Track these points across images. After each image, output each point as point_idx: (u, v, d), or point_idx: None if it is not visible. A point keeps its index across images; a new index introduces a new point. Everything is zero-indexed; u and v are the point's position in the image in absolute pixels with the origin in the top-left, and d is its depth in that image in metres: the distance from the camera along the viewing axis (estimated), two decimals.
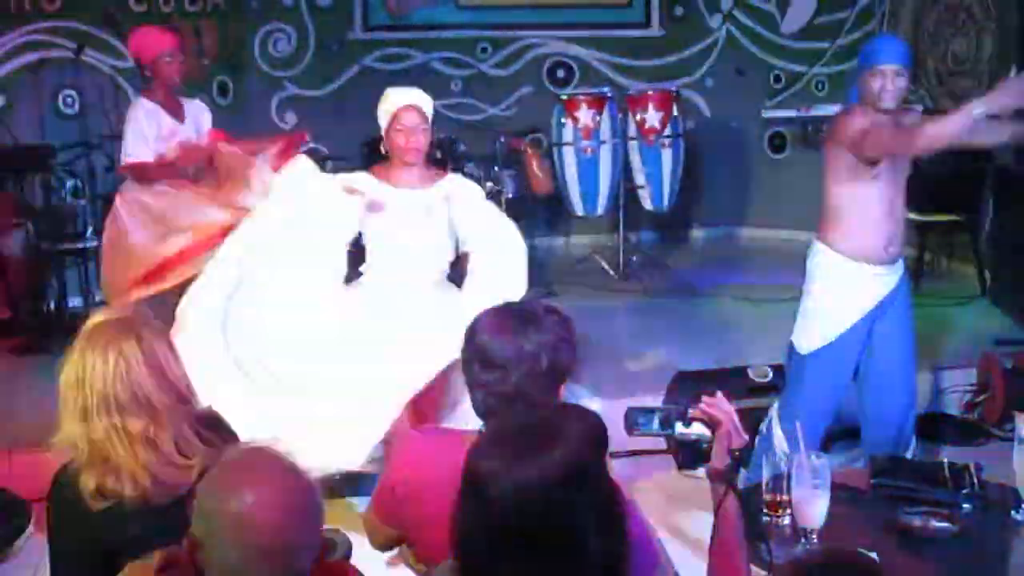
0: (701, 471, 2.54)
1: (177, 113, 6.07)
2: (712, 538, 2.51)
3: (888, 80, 4.47)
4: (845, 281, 4.67)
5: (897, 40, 4.80)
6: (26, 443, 5.44)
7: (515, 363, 2.68)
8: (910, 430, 4.89)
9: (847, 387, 4.85)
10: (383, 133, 5.04)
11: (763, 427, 4.86)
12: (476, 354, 2.74)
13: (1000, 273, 7.75)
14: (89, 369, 2.74)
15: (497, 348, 2.69)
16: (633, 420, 2.57)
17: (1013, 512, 3.27)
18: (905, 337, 4.83)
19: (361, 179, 5.06)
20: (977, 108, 4.14)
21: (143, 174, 5.93)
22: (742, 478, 2.66)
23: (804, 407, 4.67)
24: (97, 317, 2.87)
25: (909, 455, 4.79)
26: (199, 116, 6.24)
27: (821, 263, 4.72)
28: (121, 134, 6.06)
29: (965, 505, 3.35)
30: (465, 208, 5.06)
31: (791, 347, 4.85)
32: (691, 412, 2.51)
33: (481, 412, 2.76)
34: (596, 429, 2.01)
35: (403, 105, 4.94)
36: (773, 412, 4.87)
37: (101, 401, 2.73)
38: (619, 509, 2.02)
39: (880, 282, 4.68)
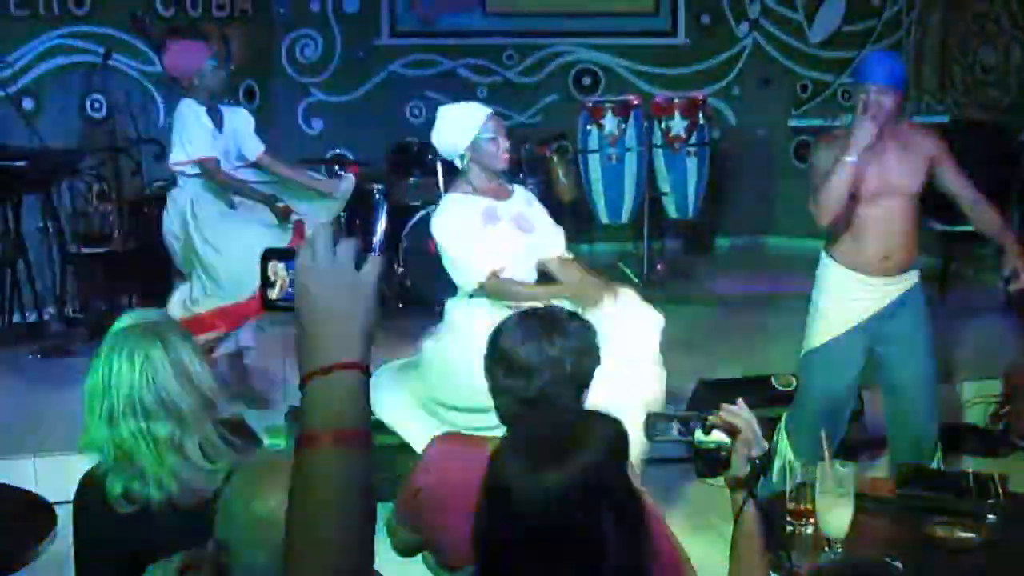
0: (721, 480, 2.53)
1: (218, 123, 6.04)
2: (732, 547, 2.50)
3: (870, 98, 4.47)
4: (842, 288, 4.80)
5: (887, 58, 4.76)
6: (51, 446, 5.49)
7: (539, 368, 2.69)
8: (933, 440, 4.89)
9: (849, 393, 4.92)
10: (465, 149, 4.81)
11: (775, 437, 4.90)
12: (500, 359, 2.74)
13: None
14: (115, 374, 2.76)
15: (522, 353, 2.70)
16: (653, 427, 2.56)
17: None
18: (922, 348, 4.87)
19: (467, 201, 4.83)
20: (848, 158, 4.41)
21: (216, 172, 5.91)
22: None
23: (806, 408, 4.88)
24: (122, 321, 2.88)
25: (934, 465, 4.79)
26: (240, 127, 6.18)
27: (823, 272, 4.89)
28: (168, 134, 6.04)
29: (990, 515, 3.33)
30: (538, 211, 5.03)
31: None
32: (711, 419, 2.50)
33: (504, 417, 2.76)
34: (619, 436, 2.01)
35: (489, 114, 4.86)
36: (781, 422, 4.95)
37: (128, 406, 2.74)
38: (641, 516, 2.01)
39: (879, 292, 4.76)
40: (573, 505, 1.90)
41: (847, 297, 4.79)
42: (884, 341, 4.84)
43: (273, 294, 1.57)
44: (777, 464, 4.64)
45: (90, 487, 2.81)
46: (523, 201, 4.94)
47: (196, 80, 5.95)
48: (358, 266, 1.51)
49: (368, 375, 1.49)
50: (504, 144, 4.82)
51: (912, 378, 4.85)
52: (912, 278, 4.83)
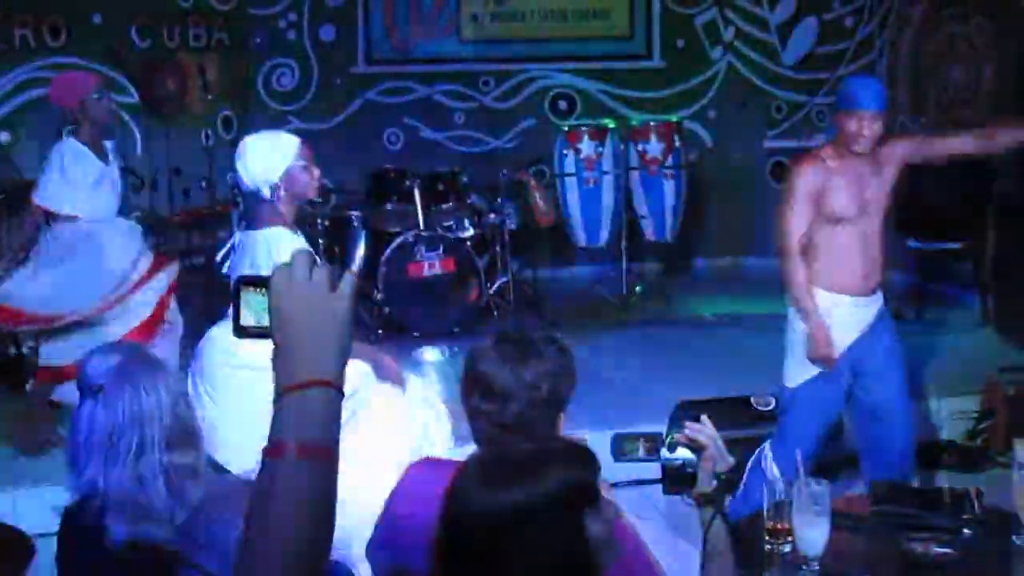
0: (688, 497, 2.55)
1: (103, 155, 6.01)
2: (702, 562, 2.51)
3: (865, 125, 4.53)
4: (825, 311, 4.75)
5: (875, 83, 4.86)
6: (31, 479, 5.47)
7: (515, 393, 2.68)
8: (910, 458, 4.91)
9: (836, 417, 4.93)
10: (278, 178, 4.60)
11: (752, 461, 4.85)
12: (476, 384, 2.74)
13: (1003, 300, 7.76)
14: (129, 410, 2.75)
15: (498, 378, 2.69)
16: (619, 447, 2.58)
17: (1014, 537, 3.26)
18: (895, 366, 4.90)
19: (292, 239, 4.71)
20: (804, 323, 4.72)
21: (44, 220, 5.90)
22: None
23: (794, 438, 4.69)
24: (102, 361, 2.85)
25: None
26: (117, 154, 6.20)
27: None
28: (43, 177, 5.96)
29: (966, 531, 3.34)
30: None
31: (783, 382, 4.94)
32: (676, 437, 2.51)
33: (480, 442, 2.76)
34: (582, 458, 1.99)
35: (300, 142, 4.73)
36: (766, 446, 4.90)
37: (151, 439, 2.75)
38: (609, 536, 2.01)
39: (861, 314, 4.78)
40: (532, 525, 1.88)
41: (833, 321, 4.75)
42: (862, 363, 4.85)
43: (246, 321, 1.58)
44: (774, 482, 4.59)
45: (81, 522, 2.79)
46: None
47: (81, 112, 5.94)
48: (334, 288, 1.54)
49: (341, 393, 1.53)
50: (316, 172, 4.71)
51: (894, 394, 4.87)
52: (880, 299, 4.87)
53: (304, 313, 1.52)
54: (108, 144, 6.11)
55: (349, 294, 1.55)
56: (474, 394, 2.74)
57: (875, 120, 4.54)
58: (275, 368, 1.53)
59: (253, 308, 1.58)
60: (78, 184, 5.85)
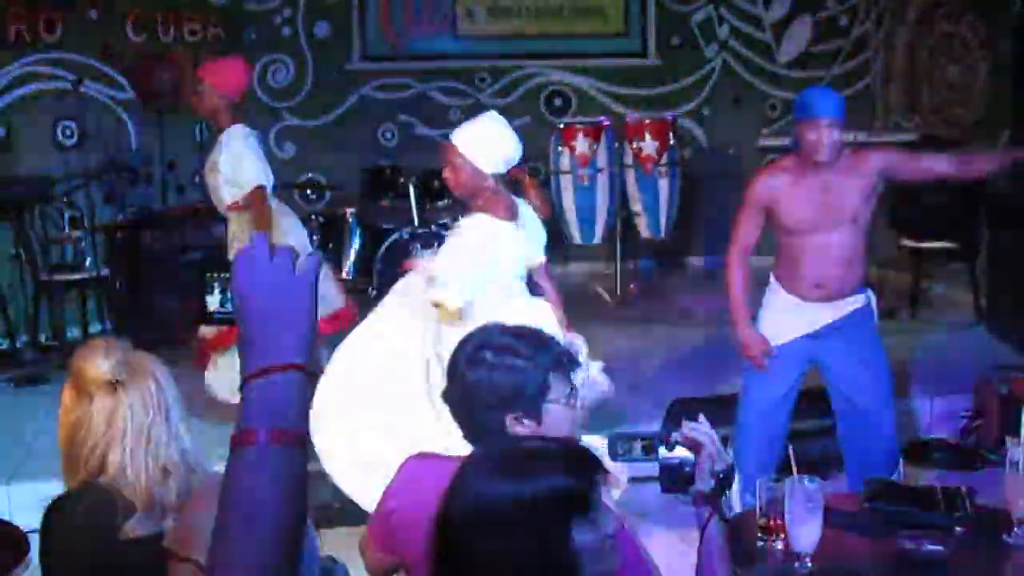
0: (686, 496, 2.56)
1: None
2: (698, 560, 2.52)
3: (823, 133, 4.58)
4: (778, 308, 4.96)
5: (831, 92, 4.94)
6: (24, 474, 5.47)
7: (457, 373, 2.73)
8: (894, 458, 4.94)
9: (781, 408, 5.00)
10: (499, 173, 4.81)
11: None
12: (449, 376, 2.79)
13: (996, 300, 7.77)
14: (165, 396, 2.76)
15: (454, 359, 2.75)
16: (617, 447, 2.59)
17: (1005, 536, 3.28)
18: (873, 368, 4.95)
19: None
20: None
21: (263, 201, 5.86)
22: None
23: (743, 421, 5.06)
24: (106, 359, 2.85)
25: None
26: None
27: (767, 290, 5.05)
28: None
29: (958, 528, 3.36)
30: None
31: None
32: (673, 436, 2.52)
33: (464, 436, 2.80)
34: (582, 454, 2.00)
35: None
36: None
37: (177, 427, 2.77)
38: (606, 534, 2.02)
39: (812, 315, 4.87)
40: (533, 522, 1.89)
41: (781, 316, 4.93)
42: (828, 362, 4.97)
43: (212, 306, 1.59)
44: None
45: (69, 514, 2.79)
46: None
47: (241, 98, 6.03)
48: (295, 270, 1.52)
49: (308, 375, 1.50)
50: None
51: (873, 397, 4.93)
52: (854, 303, 4.90)
53: (266, 297, 1.50)
54: None
55: (312, 276, 1.53)
56: (448, 385, 2.79)
57: (832, 128, 4.59)
58: (241, 355, 1.51)
59: (218, 294, 1.58)
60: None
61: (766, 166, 4.97)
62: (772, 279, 5.02)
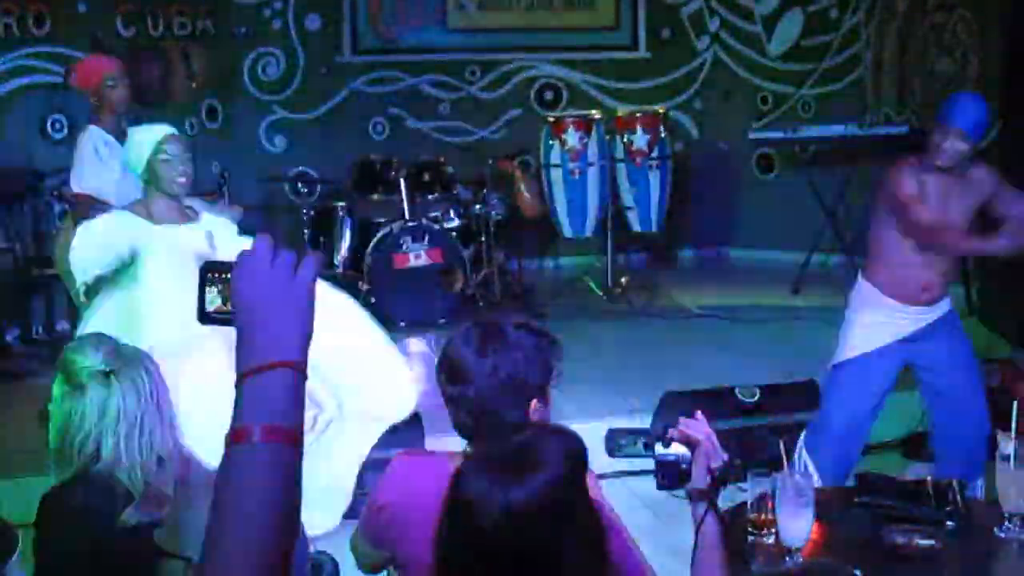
0: (682, 492, 2.56)
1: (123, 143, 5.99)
2: (693, 557, 2.52)
3: (948, 140, 4.56)
4: (876, 312, 4.88)
5: (972, 107, 4.66)
6: (13, 468, 5.45)
7: (474, 375, 2.70)
8: (983, 447, 4.91)
9: (871, 415, 4.98)
10: (141, 171, 4.67)
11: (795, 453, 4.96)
12: (443, 368, 2.78)
13: (987, 292, 7.78)
14: (155, 386, 2.78)
15: (459, 361, 2.72)
16: (614, 442, 2.59)
17: (996, 529, 3.28)
18: (962, 363, 4.99)
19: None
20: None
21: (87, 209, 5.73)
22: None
23: (827, 424, 4.96)
24: (96, 352, 2.85)
25: (980, 479, 4.86)
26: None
27: (859, 293, 4.96)
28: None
29: (949, 522, 3.36)
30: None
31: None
32: (670, 433, 2.52)
33: (458, 429, 2.78)
34: (577, 449, 2.01)
35: (168, 134, 4.66)
36: (801, 441, 5.01)
37: (168, 417, 2.79)
38: (601, 532, 2.02)
39: (910, 320, 4.86)
40: (535, 522, 1.90)
41: (879, 320, 4.87)
42: (922, 363, 4.98)
43: (210, 307, 1.59)
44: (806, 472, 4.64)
45: (71, 508, 2.79)
46: (215, 226, 4.79)
47: (97, 96, 5.93)
48: (296, 272, 1.54)
49: (304, 375, 1.52)
50: (182, 168, 4.58)
51: (966, 388, 4.96)
52: (945, 306, 4.93)
53: (266, 298, 1.52)
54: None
55: (311, 278, 1.55)
56: (442, 378, 2.78)
57: (958, 140, 4.55)
58: (238, 353, 1.52)
59: (217, 294, 1.58)
60: (112, 170, 5.75)
61: (893, 167, 4.78)
62: (865, 284, 4.93)
